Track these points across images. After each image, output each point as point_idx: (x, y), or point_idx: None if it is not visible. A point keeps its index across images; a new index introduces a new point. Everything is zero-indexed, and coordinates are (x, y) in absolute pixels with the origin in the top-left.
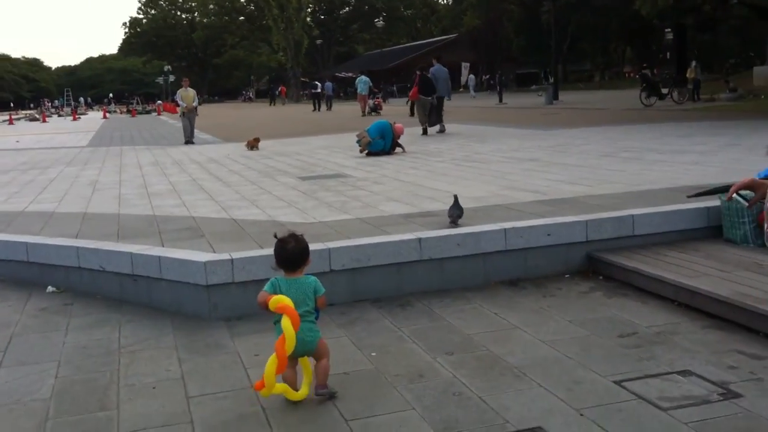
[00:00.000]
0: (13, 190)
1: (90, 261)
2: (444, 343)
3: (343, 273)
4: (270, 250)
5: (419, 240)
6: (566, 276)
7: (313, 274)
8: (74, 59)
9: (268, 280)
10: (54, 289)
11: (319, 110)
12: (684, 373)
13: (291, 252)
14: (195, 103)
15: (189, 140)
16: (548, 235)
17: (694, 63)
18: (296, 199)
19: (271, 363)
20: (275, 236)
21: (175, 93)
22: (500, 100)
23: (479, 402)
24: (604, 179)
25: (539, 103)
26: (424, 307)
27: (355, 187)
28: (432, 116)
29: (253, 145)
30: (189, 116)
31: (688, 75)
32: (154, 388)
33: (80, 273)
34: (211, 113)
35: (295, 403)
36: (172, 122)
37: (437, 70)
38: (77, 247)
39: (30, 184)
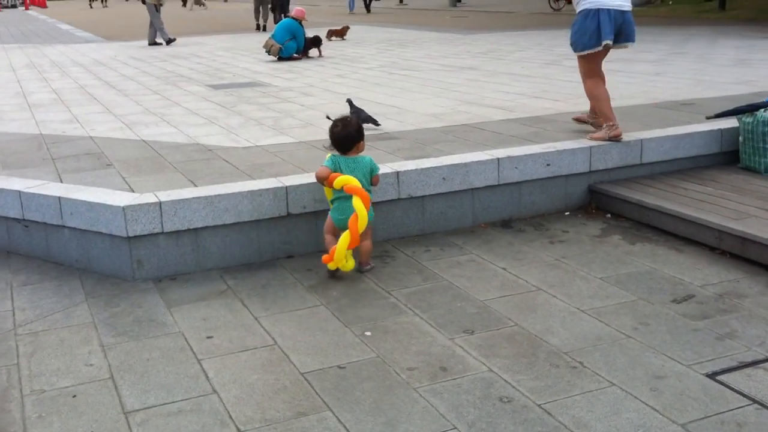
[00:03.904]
0: None
1: None
2: (455, 314)
3: (304, 218)
4: (207, 189)
5: (397, 174)
6: (566, 214)
7: (265, 220)
8: None
9: (207, 228)
10: None
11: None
12: None
13: (338, 136)
14: None
15: (167, 39)
16: (547, 165)
17: None
18: (215, 114)
19: (344, 239)
20: (327, 117)
21: None
22: (401, 1)
23: (543, 415)
24: (568, 93)
25: (441, 4)
26: (409, 259)
27: (280, 99)
28: (276, 14)
29: (341, 33)
30: (161, 10)
31: None
32: (74, 396)
33: None
34: (62, 11)
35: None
36: (42, 18)
37: None
38: None
39: None
